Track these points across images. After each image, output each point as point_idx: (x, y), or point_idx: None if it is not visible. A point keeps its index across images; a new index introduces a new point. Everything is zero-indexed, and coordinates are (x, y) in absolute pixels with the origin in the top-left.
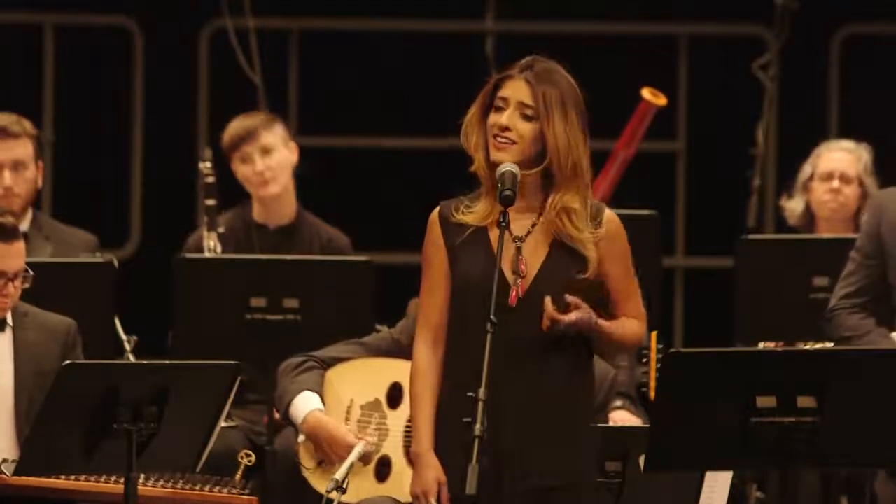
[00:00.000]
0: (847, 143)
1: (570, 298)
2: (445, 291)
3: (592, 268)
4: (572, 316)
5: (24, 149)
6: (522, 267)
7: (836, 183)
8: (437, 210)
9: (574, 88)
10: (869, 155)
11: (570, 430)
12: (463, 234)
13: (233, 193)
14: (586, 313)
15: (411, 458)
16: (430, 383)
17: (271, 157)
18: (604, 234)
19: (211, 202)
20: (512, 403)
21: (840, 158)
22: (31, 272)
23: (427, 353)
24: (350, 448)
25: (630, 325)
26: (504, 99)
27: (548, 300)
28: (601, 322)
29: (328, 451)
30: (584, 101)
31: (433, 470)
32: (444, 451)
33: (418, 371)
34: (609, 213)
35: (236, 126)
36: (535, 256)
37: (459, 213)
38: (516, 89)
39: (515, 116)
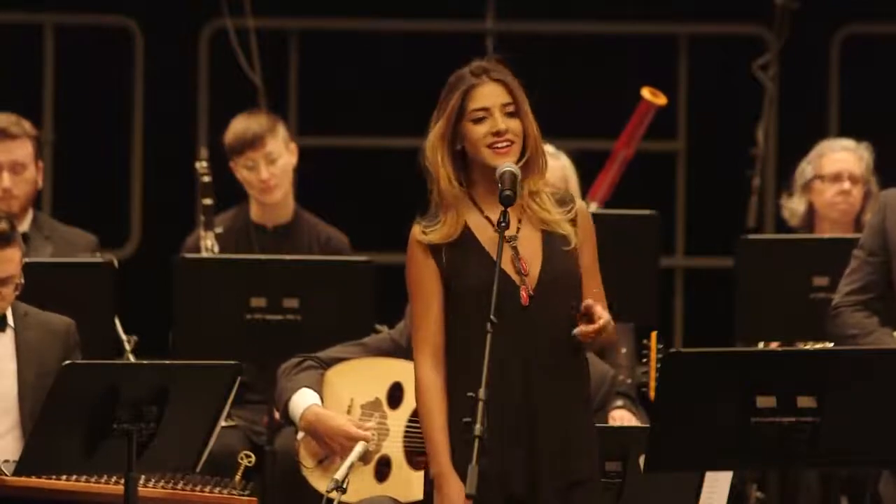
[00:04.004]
0: (848, 143)
1: (587, 303)
2: (440, 308)
3: (574, 241)
4: (605, 315)
5: (23, 150)
6: (524, 266)
7: (846, 184)
8: (416, 228)
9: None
10: (870, 154)
11: (587, 426)
12: (451, 247)
13: (231, 193)
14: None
15: (433, 479)
16: (439, 401)
17: (276, 165)
18: (578, 220)
19: (207, 202)
20: (534, 402)
21: (846, 159)
22: (23, 281)
23: (431, 371)
24: (349, 438)
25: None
26: (484, 109)
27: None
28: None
29: (329, 444)
30: None
31: (457, 489)
32: (464, 463)
33: (426, 390)
34: (579, 202)
35: (242, 129)
36: (531, 252)
37: (425, 235)
38: (491, 94)
39: (505, 118)
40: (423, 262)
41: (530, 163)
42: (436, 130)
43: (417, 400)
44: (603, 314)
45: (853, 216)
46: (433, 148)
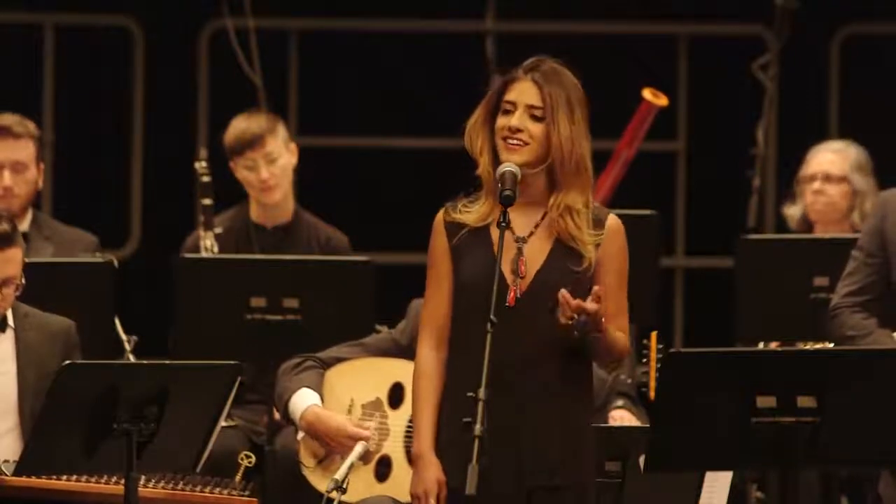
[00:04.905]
0: (835, 144)
1: (560, 292)
2: (449, 294)
3: (589, 263)
4: (593, 304)
5: (25, 150)
6: (522, 267)
7: (817, 184)
8: (441, 212)
9: (579, 89)
10: (859, 153)
11: (573, 429)
12: (465, 235)
13: (232, 193)
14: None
15: (412, 459)
16: (433, 385)
17: (275, 165)
18: (604, 236)
19: (207, 202)
20: (516, 403)
21: (828, 160)
22: (24, 281)
23: (430, 354)
24: (350, 437)
25: (619, 336)
26: (511, 102)
27: (563, 292)
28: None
29: (329, 444)
30: (588, 103)
31: (433, 470)
32: (447, 452)
33: (421, 372)
34: (612, 217)
35: (241, 130)
36: (536, 257)
37: (458, 211)
38: (523, 91)
39: (525, 118)
40: (441, 247)
41: (554, 173)
42: (474, 116)
43: (413, 379)
44: (592, 303)
45: (835, 216)
46: (473, 133)
